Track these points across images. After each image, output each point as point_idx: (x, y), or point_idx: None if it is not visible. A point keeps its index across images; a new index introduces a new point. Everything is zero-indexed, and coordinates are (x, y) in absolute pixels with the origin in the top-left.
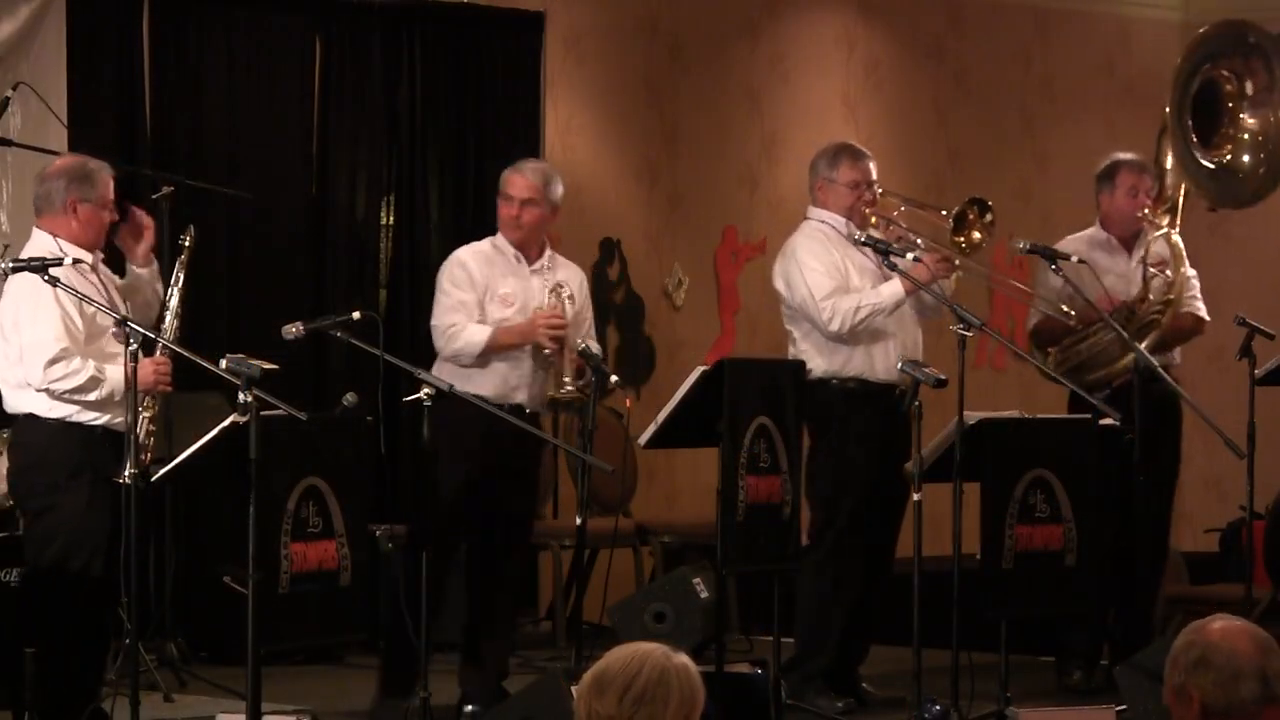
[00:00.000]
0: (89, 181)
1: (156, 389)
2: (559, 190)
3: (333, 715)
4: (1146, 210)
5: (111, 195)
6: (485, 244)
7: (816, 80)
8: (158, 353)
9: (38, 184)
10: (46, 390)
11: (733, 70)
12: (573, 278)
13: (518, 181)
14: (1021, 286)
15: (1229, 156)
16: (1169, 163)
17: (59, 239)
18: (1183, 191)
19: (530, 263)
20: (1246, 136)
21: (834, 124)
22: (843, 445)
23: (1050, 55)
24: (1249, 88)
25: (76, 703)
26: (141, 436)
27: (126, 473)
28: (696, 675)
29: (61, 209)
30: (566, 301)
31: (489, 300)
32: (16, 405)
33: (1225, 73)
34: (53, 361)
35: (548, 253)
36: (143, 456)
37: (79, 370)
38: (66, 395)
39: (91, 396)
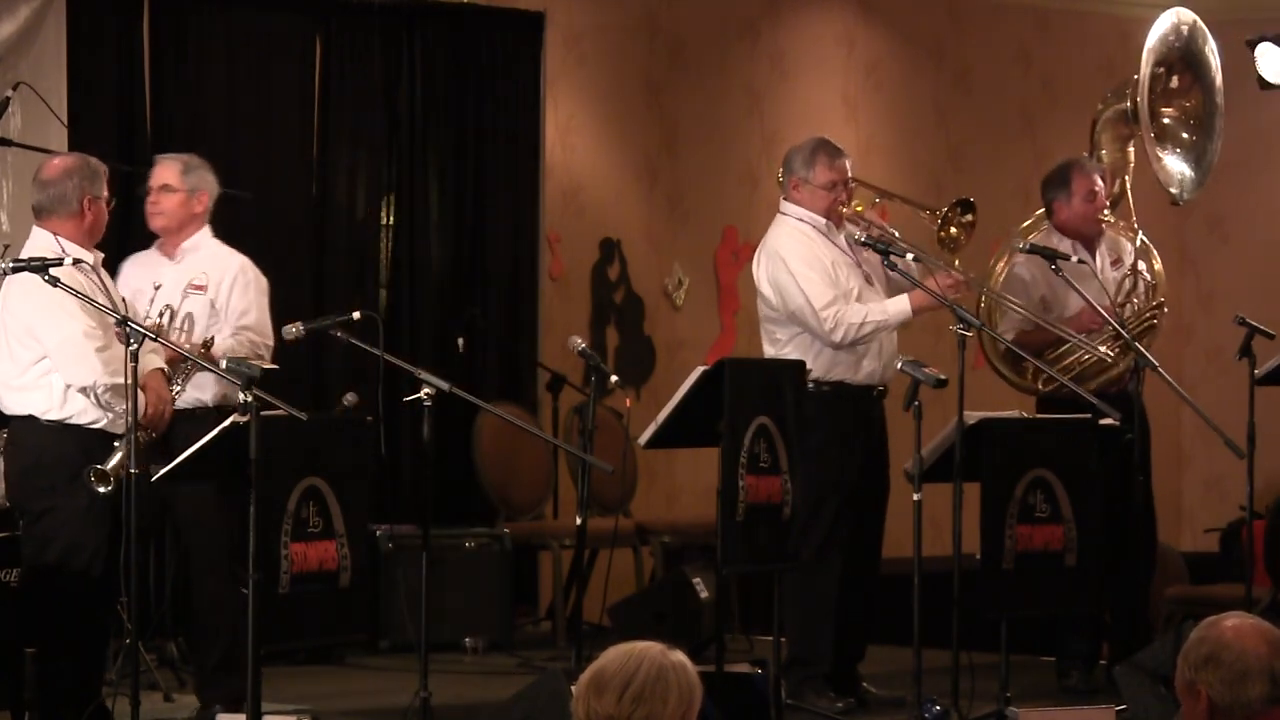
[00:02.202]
0: (99, 178)
1: (157, 420)
2: (203, 178)
3: (333, 715)
4: (1106, 211)
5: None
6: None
7: (816, 80)
8: (160, 354)
9: (41, 188)
10: (90, 384)
11: (733, 70)
12: (214, 267)
13: (155, 171)
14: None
15: (1176, 144)
16: (1105, 156)
17: (60, 238)
18: (1127, 183)
19: (170, 257)
20: (1169, 122)
21: (834, 124)
22: (823, 448)
23: (1050, 55)
24: (1174, 83)
25: (76, 702)
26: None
27: (111, 467)
28: (694, 672)
29: (78, 208)
30: (191, 293)
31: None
32: (14, 406)
33: (1161, 69)
34: (103, 348)
35: (188, 243)
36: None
37: (120, 370)
38: (108, 388)
39: (122, 406)
